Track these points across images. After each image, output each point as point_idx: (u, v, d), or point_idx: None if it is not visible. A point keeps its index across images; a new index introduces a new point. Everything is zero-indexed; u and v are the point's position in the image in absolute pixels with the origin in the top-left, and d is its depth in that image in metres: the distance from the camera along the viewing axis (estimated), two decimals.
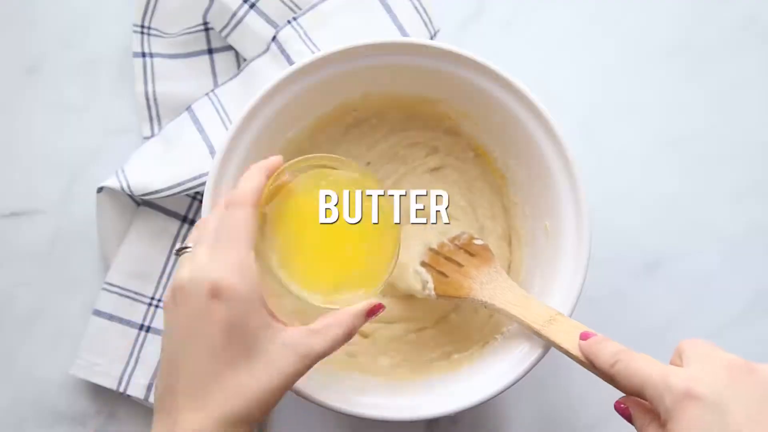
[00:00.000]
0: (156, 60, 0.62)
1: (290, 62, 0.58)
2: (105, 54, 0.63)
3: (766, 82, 0.63)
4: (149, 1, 0.62)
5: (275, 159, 0.45)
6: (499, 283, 0.51)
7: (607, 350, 0.42)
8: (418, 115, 0.57)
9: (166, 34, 0.63)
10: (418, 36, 0.60)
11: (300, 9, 0.61)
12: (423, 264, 0.55)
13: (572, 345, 0.45)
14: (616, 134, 0.63)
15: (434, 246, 0.55)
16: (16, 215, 0.62)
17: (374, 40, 0.50)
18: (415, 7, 0.61)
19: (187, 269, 0.40)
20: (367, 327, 0.57)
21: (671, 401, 0.36)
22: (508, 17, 0.64)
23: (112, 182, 0.58)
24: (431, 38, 0.61)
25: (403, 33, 0.60)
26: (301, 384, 0.48)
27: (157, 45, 0.63)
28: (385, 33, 0.60)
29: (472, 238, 0.55)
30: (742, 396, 0.35)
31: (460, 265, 0.53)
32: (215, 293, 0.38)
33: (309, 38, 0.59)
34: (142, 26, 0.62)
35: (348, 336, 0.42)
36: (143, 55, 0.62)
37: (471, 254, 0.54)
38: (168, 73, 0.62)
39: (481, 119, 0.54)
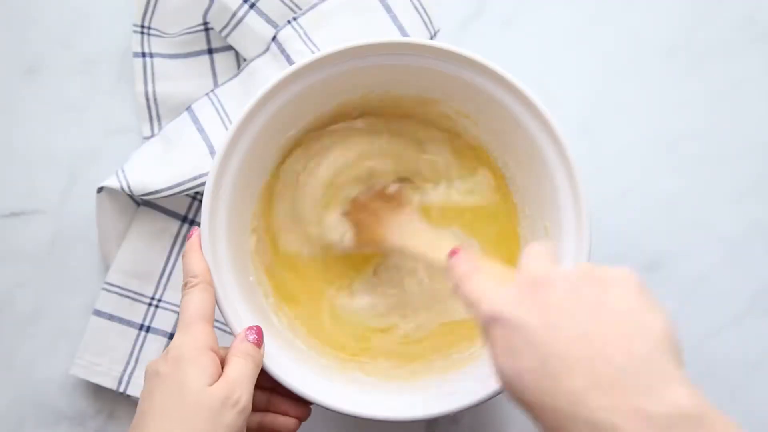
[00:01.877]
0: (156, 60, 0.62)
1: (290, 62, 0.58)
2: (105, 54, 0.63)
3: (766, 82, 0.63)
4: (149, 1, 0.62)
5: (196, 230, 0.49)
6: (411, 225, 0.53)
7: (459, 269, 0.42)
8: (418, 114, 0.57)
9: (166, 34, 0.63)
10: (418, 36, 0.60)
11: (300, 9, 0.61)
12: (343, 214, 0.56)
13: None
14: (616, 134, 0.63)
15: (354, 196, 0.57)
16: (16, 215, 0.62)
17: (374, 40, 0.50)
18: (415, 7, 0.61)
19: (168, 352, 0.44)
20: (367, 330, 0.58)
21: (483, 325, 0.38)
22: (508, 17, 0.64)
23: (111, 182, 0.58)
24: (431, 38, 0.61)
25: (403, 33, 0.60)
26: (302, 384, 0.48)
27: (157, 45, 0.63)
28: (385, 33, 0.59)
29: (388, 185, 0.56)
30: (534, 310, 0.36)
31: (376, 213, 0.55)
32: (174, 360, 0.43)
33: (309, 38, 0.59)
34: (142, 26, 0.62)
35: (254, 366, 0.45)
36: (143, 55, 0.62)
37: (386, 200, 0.55)
38: (168, 73, 0.62)
39: (481, 119, 0.54)
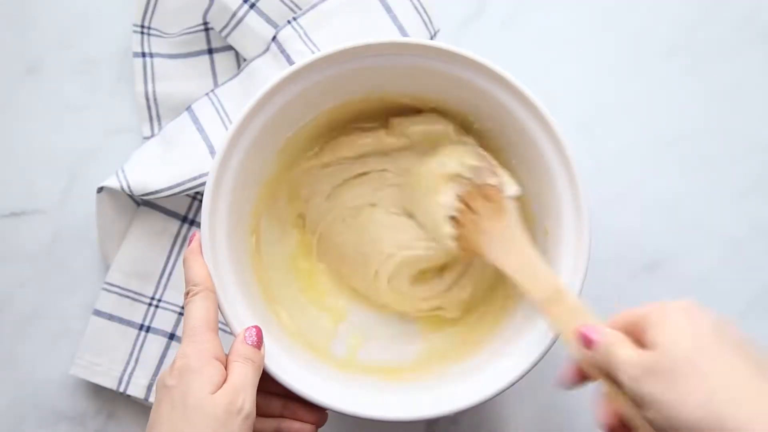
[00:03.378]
0: (156, 60, 0.62)
1: (290, 62, 0.58)
2: (105, 54, 0.63)
3: (766, 82, 0.63)
4: (149, 1, 0.62)
5: (195, 236, 0.49)
6: (508, 241, 0.49)
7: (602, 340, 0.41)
8: (418, 114, 0.57)
9: (166, 34, 0.63)
10: (418, 36, 0.60)
11: (300, 9, 0.61)
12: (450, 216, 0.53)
13: (566, 333, 0.44)
14: (616, 134, 0.63)
15: (461, 189, 0.52)
16: (16, 215, 0.62)
17: (374, 40, 0.49)
18: (415, 7, 0.60)
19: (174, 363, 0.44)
20: (369, 331, 0.58)
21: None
22: (508, 17, 0.64)
23: (111, 182, 0.58)
24: (431, 38, 0.61)
25: (403, 33, 0.60)
26: (301, 385, 0.48)
27: (157, 45, 0.63)
28: (385, 33, 0.59)
29: (490, 176, 0.52)
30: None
31: (476, 213, 0.51)
32: (179, 371, 0.43)
33: (309, 38, 0.59)
34: (142, 26, 0.62)
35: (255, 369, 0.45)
36: (143, 55, 0.62)
37: (487, 199, 0.51)
38: (168, 73, 0.62)
39: (482, 120, 0.54)
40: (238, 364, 0.44)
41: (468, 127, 0.56)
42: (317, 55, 0.49)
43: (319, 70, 0.50)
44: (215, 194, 0.49)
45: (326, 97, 0.53)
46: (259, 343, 0.46)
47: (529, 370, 0.48)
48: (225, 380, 0.43)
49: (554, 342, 0.48)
